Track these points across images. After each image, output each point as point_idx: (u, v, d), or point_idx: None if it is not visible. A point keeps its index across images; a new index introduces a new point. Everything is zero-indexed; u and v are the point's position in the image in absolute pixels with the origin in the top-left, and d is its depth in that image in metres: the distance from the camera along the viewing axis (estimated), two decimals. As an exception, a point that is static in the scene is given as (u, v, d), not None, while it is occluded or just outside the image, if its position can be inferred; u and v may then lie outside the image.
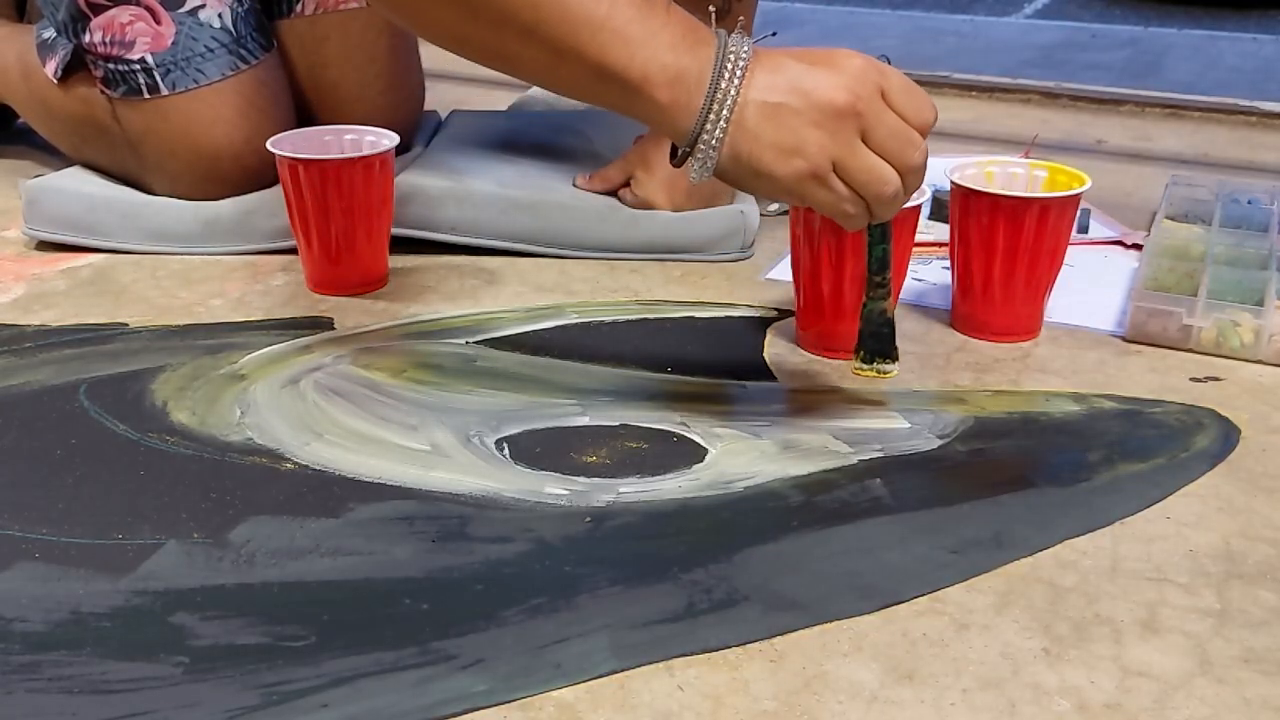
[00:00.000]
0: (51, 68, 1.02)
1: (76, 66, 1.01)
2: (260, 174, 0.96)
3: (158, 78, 0.96)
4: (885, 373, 0.75)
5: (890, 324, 0.74)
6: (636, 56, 0.60)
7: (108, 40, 0.96)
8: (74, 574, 0.58)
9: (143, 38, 0.95)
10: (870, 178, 0.62)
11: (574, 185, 1.01)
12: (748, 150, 0.61)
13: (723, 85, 0.61)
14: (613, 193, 1.00)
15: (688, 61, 0.61)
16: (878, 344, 0.75)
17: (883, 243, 0.70)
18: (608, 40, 0.60)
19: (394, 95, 1.08)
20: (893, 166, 0.62)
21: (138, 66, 0.96)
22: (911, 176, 0.63)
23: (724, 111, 0.61)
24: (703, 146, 0.62)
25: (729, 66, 0.61)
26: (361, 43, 1.05)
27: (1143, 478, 0.67)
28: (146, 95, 0.97)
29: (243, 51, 0.98)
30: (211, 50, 0.97)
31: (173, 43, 0.96)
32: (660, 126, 0.63)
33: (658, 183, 0.97)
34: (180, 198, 0.99)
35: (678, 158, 0.65)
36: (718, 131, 0.61)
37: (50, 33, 1.03)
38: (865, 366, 0.75)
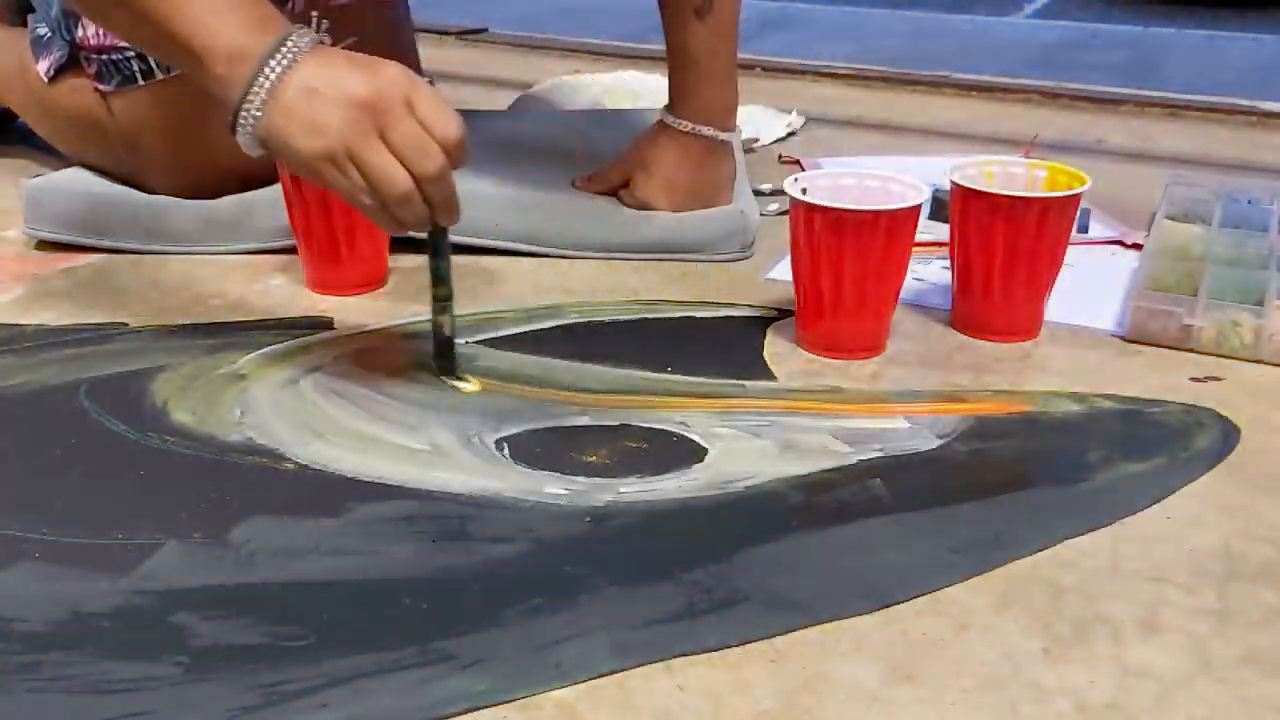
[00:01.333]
0: (44, 67, 1.01)
1: (70, 66, 1.00)
2: (258, 169, 0.96)
3: (152, 62, 0.96)
4: (460, 390, 0.76)
5: (450, 340, 0.76)
6: (202, 33, 0.68)
7: (100, 31, 0.96)
8: (74, 574, 0.58)
9: None
10: (379, 175, 0.67)
11: (572, 185, 1.01)
12: (280, 124, 0.68)
13: (270, 64, 0.67)
14: (612, 193, 1.00)
15: (249, 42, 0.68)
16: (442, 360, 0.77)
17: (437, 257, 0.74)
18: (181, 15, 0.69)
19: None
20: (410, 172, 0.67)
21: (131, 54, 0.95)
22: (429, 185, 0.68)
23: (266, 84, 0.67)
24: (244, 116, 0.68)
25: (282, 50, 0.68)
26: (353, 36, 1.04)
27: (1143, 478, 0.67)
28: (141, 81, 0.96)
29: None
30: None
31: None
32: (219, 97, 0.70)
33: (657, 183, 0.97)
34: (179, 196, 0.99)
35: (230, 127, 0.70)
36: (257, 102, 0.68)
37: (44, 29, 1.02)
38: (444, 380, 0.77)
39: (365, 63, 0.69)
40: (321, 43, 0.70)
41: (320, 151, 0.67)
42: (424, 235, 0.73)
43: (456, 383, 0.76)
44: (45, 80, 1.02)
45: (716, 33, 0.95)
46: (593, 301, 0.90)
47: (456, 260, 0.97)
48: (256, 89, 0.67)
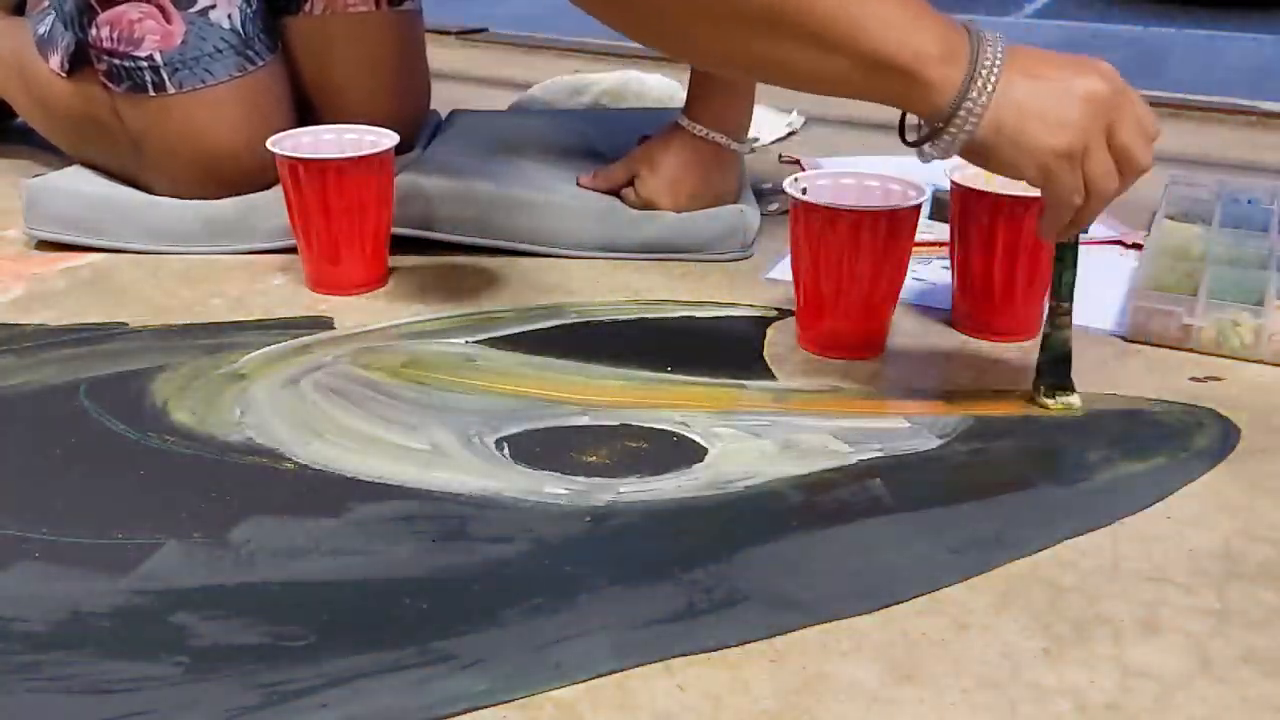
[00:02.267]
0: (56, 62, 1.01)
1: (79, 60, 1.00)
2: (260, 177, 0.96)
3: (165, 76, 0.96)
4: (1071, 406, 0.74)
5: (1069, 354, 0.74)
6: (909, 41, 0.63)
7: (115, 36, 0.96)
8: (74, 574, 0.58)
9: (151, 35, 0.95)
10: (1106, 170, 0.65)
11: (578, 183, 1.01)
12: (1014, 121, 0.64)
13: (987, 58, 0.64)
14: (615, 192, 1.00)
15: (954, 39, 0.64)
16: (1058, 376, 0.74)
17: (1074, 268, 0.72)
18: (879, 30, 0.63)
19: (400, 98, 1.08)
20: (1122, 168, 0.65)
21: (145, 64, 0.96)
22: (1132, 179, 0.67)
23: (991, 78, 0.63)
24: (963, 115, 0.64)
25: (988, 42, 0.64)
26: (370, 46, 1.05)
27: (1143, 477, 0.67)
28: (152, 93, 0.96)
29: (250, 53, 0.98)
30: (220, 51, 0.97)
31: (182, 42, 0.96)
32: (920, 106, 0.65)
33: (662, 183, 0.97)
34: (179, 197, 0.99)
35: (919, 135, 0.67)
36: (983, 99, 0.63)
37: (45, 26, 1.02)
38: (1050, 401, 0.74)
39: (1073, 57, 0.66)
40: None
41: (1062, 147, 0.64)
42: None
43: (1071, 398, 0.74)
44: (63, 74, 1.01)
45: None
46: (593, 301, 0.90)
47: (457, 260, 0.97)
48: (979, 83, 0.63)
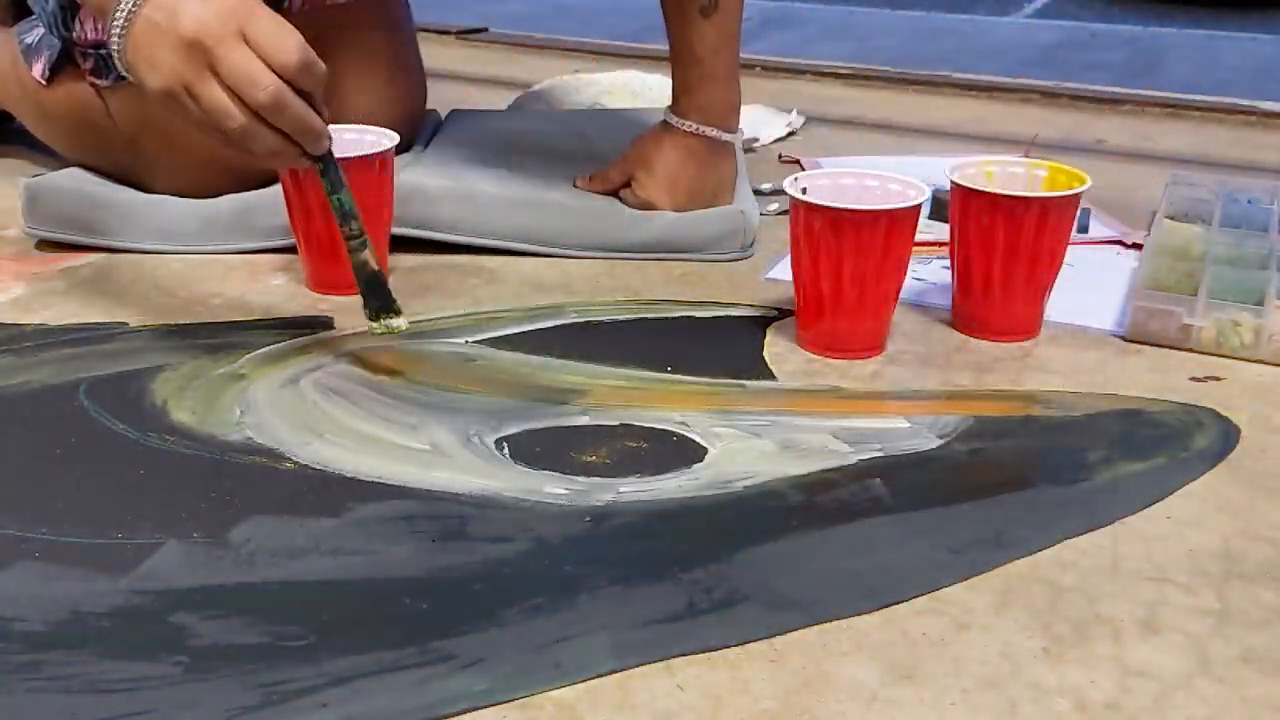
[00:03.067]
0: (38, 69, 1.01)
1: (64, 66, 1.00)
2: (257, 167, 0.95)
3: None
4: (395, 329, 0.76)
5: (378, 275, 0.76)
6: None
7: (99, 26, 0.95)
8: (74, 574, 0.58)
9: None
10: (213, 109, 0.68)
11: (574, 186, 1.01)
12: (132, 60, 0.70)
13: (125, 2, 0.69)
14: (613, 193, 1.00)
15: None
16: (377, 298, 0.76)
17: (335, 192, 0.73)
18: None
19: (393, 92, 1.07)
20: (247, 104, 0.67)
21: None
22: (270, 115, 0.68)
23: (122, 17, 0.69)
24: (111, 46, 0.70)
25: None
26: (357, 39, 1.04)
27: (1143, 477, 0.67)
28: None
29: None
30: None
31: None
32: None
33: (659, 183, 0.97)
34: (179, 194, 0.99)
35: None
36: (118, 32, 0.69)
37: (33, 36, 1.02)
38: (375, 325, 0.76)
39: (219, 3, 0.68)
40: None
41: (161, 87, 0.68)
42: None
43: (393, 321, 0.76)
44: (42, 83, 1.01)
45: (721, 32, 0.95)
46: (593, 301, 0.90)
47: (457, 260, 0.97)
48: (116, 19, 0.69)
